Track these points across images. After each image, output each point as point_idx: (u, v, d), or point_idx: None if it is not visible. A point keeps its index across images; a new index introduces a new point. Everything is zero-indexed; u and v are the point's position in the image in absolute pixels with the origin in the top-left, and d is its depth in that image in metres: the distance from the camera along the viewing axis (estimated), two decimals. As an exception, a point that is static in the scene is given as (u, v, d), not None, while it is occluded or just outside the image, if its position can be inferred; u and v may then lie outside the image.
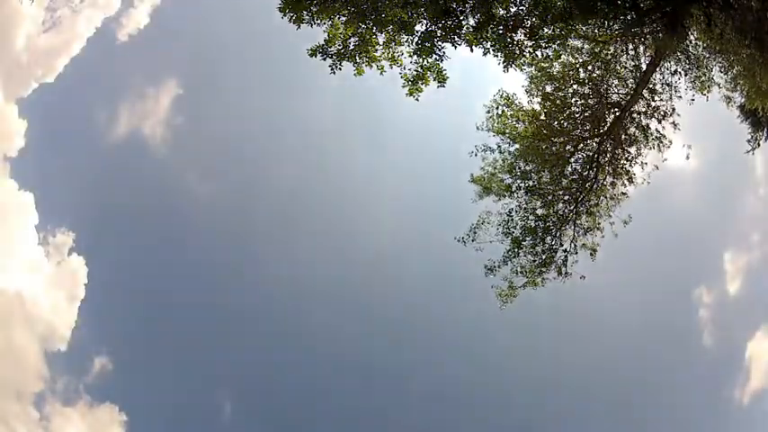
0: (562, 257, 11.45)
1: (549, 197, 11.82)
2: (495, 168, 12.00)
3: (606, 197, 11.83)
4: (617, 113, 11.81)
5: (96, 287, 20.89)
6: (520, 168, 11.92)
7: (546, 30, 9.72)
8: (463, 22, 9.62)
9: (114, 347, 21.01)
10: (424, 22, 9.75)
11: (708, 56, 10.73)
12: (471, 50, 9.72)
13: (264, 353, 21.72)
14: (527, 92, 12.04)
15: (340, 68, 9.87)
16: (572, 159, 12.00)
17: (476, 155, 11.95)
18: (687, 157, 12.35)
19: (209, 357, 21.92)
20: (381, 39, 9.89)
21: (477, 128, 11.98)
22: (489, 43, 9.48)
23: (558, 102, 12.14)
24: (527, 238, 11.43)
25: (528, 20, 9.53)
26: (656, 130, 11.97)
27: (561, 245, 11.52)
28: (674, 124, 11.89)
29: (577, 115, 12.17)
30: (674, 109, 11.84)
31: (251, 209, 24.28)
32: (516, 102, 11.99)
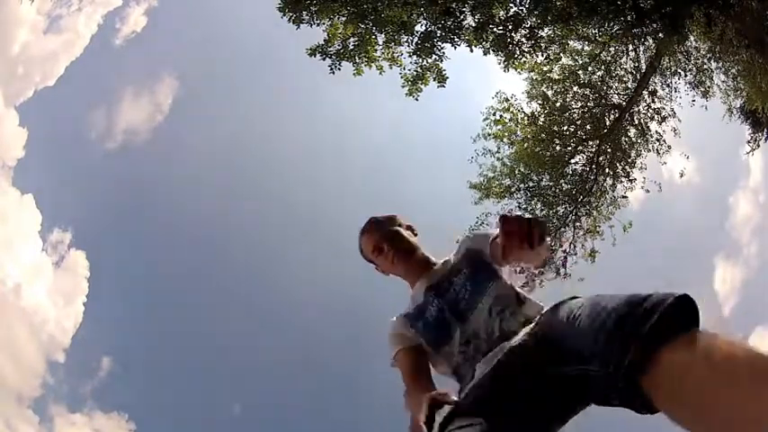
0: (561, 258, 11.39)
1: (549, 198, 11.76)
2: (494, 172, 11.94)
3: (606, 199, 11.78)
4: (617, 115, 11.78)
5: (99, 284, 20.79)
6: (520, 171, 11.87)
7: (546, 30, 9.75)
8: (463, 23, 9.64)
9: (120, 346, 20.88)
10: (424, 22, 9.78)
11: (708, 56, 10.74)
12: (471, 50, 9.75)
13: (274, 353, 21.63)
14: (527, 93, 12.00)
15: (339, 68, 9.88)
16: (572, 161, 11.96)
17: (475, 160, 11.87)
18: (681, 175, 12.40)
19: (219, 357, 21.81)
20: (381, 39, 9.90)
21: (474, 140, 11.87)
22: (489, 43, 9.50)
23: (558, 104, 12.11)
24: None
25: (528, 20, 9.54)
26: (656, 131, 11.95)
27: (560, 245, 11.45)
28: (674, 129, 11.87)
29: (577, 117, 12.14)
30: (674, 112, 11.82)
31: (251, 210, 24.23)
32: (515, 104, 11.91)
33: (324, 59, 9.78)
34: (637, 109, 11.81)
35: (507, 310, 1.75)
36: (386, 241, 2.10)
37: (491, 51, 9.63)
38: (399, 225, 2.22)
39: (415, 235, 2.23)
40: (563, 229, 11.65)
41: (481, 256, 1.93)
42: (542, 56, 10.11)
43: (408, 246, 2.14)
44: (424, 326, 1.90)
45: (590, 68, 11.82)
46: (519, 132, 11.90)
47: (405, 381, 1.84)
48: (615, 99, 11.93)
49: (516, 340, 1.55)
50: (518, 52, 9.63)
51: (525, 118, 11.88)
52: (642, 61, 11.43)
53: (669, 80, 11.54)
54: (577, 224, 11.75)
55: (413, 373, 1.83)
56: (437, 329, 1.87)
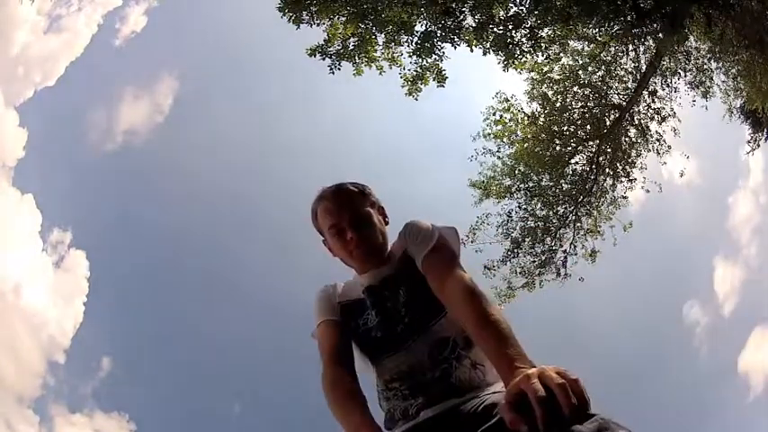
0: (562, 258, 11.41)
1: (550, 198, 11.77)
2: (494, 171, 11.94)
3: (606, 199, 11.78)
4: (617, 115, 11.78)
5: (99, 284, 20.73)
6: (520, 171, 11.88)
7: (546, 30, 9.76)
8: (463, 23, 9.65)
9: (120, 346, 20.83)
10: (424, 22, 9.78)
11: (708, 56, 10.74)
12: (471, 50, 9.76)
13: (275, 353, 21.59)
14: (527, 93, 12.00)
15: (339, 68, 9.88)
16: (572, 161, 11.97)
17: (475, 158, 11.88)
18: (681, 175, 12.42)
19: (219, 357, 21.77)
20: (381, 39, 9.91)
21: (473, 138, 11.88)
22: (489, 43, 9.50)
23: (558, 104, 12.12)
24: (526, 239, 11.37)
25: (528, 20, 9.55)
26: (656, 131, 11.95)
27: (561, 245, 11.47)
28: (674, 129, 11.87)
29: (577, 117, 12.15)
30: (674, 112, 11.81)
31: (251, 209, 24.26)
32: (515, 104, 11.91)
33: (324, 59, 9.78)
34: (637, 109, 11.81)
35: (452, 356, 1.51)
36: (353, 228, 1.66)
37: (491, 51, 9.64)
38: (372, 205, 1.75)
39: (387, 223, 1.80)
40: (563, 229, 11.67)
41: (422, 278, 1.58)
42: (542, 56, 10.12)
43: (377, 243, 1.71)
44: (358, 334, 1.65)
45: (590, 68, 11.82)
46: (519, 132, 11.91)
47: (324, 364, 1.59)
48: (615, 99, 11.93)
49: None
50: (518, 52, 9.63)
51: (525, 118, 11.89)
52: (642, 61, 11.43)
53: (669, 80, 11.54)
54: (577, 224, 11.76)
55: (334, 358, 1.58)
56: (371, 347, 1.62)
